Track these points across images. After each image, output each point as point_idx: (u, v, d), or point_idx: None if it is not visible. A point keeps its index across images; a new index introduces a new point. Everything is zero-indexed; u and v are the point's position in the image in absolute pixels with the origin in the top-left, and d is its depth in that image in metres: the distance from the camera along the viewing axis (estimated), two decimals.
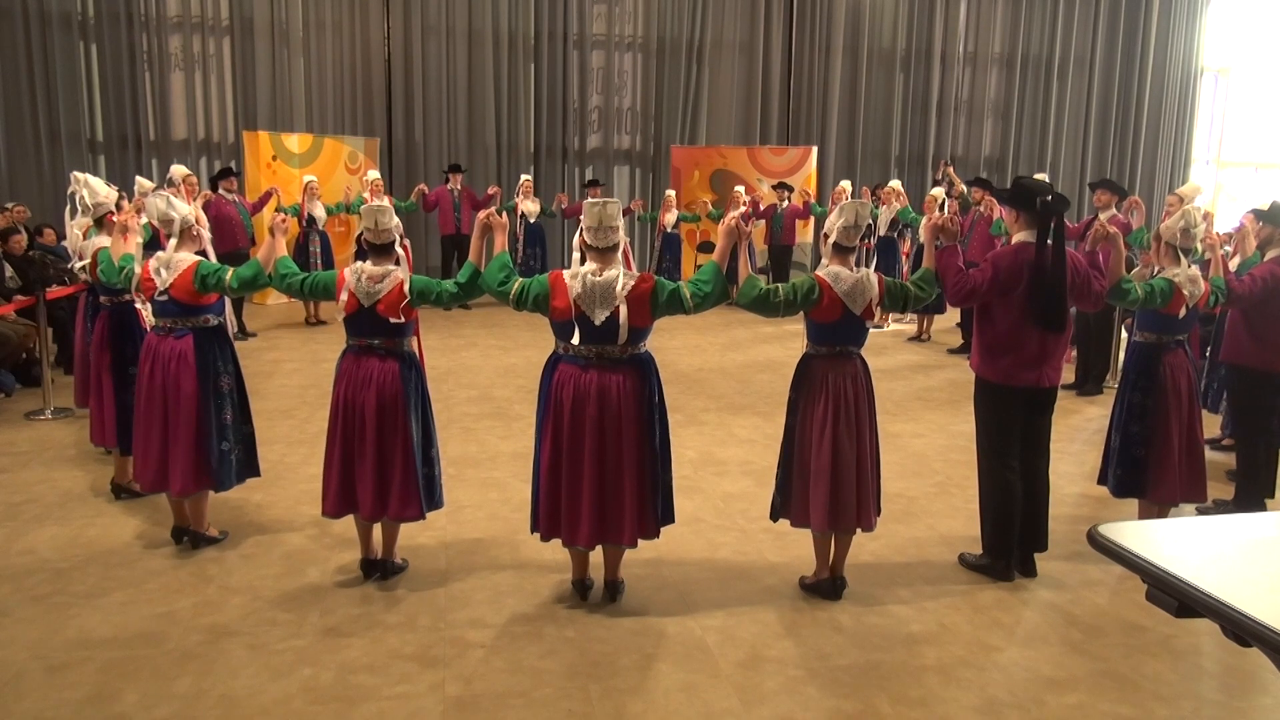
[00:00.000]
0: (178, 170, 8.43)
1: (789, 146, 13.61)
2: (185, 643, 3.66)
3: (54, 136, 12.29)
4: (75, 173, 5.34)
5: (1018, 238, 4.23)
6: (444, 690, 3.38)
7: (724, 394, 7.73)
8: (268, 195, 9.91)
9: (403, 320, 3.97)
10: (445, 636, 3.75)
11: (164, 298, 4.29)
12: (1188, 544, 2.22)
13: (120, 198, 5.47)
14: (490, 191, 11.64)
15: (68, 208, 5.59)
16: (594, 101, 14.06)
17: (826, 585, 4.14)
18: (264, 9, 12.68)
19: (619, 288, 3.70)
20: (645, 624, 3.88)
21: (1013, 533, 4.32)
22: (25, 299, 7.04)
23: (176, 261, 4.28)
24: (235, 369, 4.51)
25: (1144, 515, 4.73)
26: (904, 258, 10.51)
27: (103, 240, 4.98)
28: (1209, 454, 5.01)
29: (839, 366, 3.98)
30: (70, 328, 6.90)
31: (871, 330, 4.15)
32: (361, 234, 4.08)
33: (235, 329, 8.11)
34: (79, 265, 5.42)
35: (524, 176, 12.00)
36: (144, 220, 4.65)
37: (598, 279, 3.72)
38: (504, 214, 4.16)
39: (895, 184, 10.74)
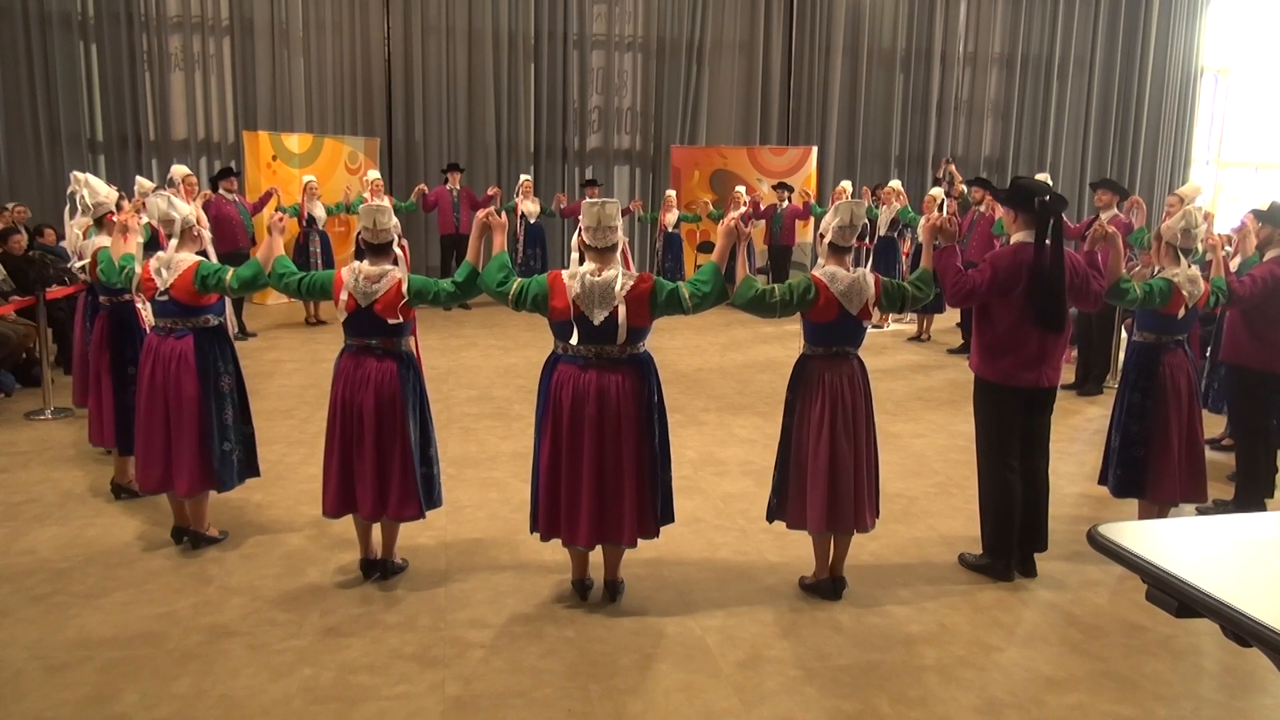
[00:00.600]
0: (178, 170, 8.43)
1: (789, 146, 13.61)
2: (185, 643, 3.66)
3: (54, 136, 12.28)
4: (75, 173, 5.34)
5: (1016, 238, 4.23)
6: (444, 690, 3.38)
7: (724, 394, 7.73)
8: (268, 195, 9.91)
9: (400, 320, 3.97)
10: (445, 636, 3.75)
11: (164, 298, 4.29)
12: (1188, 544, 2.22)
13: (120, 198, 5.48)
14: (490, 192, 11.64)
15: (67, 208, 5.59)
16: (594, 101, 14.06)
17: (826, 585, 4.13)
18: (264, 9, 12.68)
19: (618, 288, 3.70)
20: (645, 624, 3.88)
21: (1013, 533, 4.32)
22: (25, 299, 7.04)
23: (177, 262, 4.28)
24: (235, 369, 4.51)
25: (1144, 515, 4.73)
26: (904, 257, 10.51)
27: (103, 240, 4.98)
28: (1209, 454, 5.01)
29: (836, 367, 3.98)
30: (70, 328, 6.90)
31: (871, 330, 4.16)
32: (360, 234, 4.08)
33: (235, 329, 8.12)
34: (78, 265, 5.42)
35: (523, 176, 11.99)
36: (144, 220, 4.65)
37: (596, 279, 3.72)
38: (503, 214, 4.16)
39: (895, 184, 10.73)
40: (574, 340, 3.76)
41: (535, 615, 3.94)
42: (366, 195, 10.38)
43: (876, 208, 10.59)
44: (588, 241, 3.77)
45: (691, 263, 12.29)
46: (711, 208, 12.08)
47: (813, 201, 12.07)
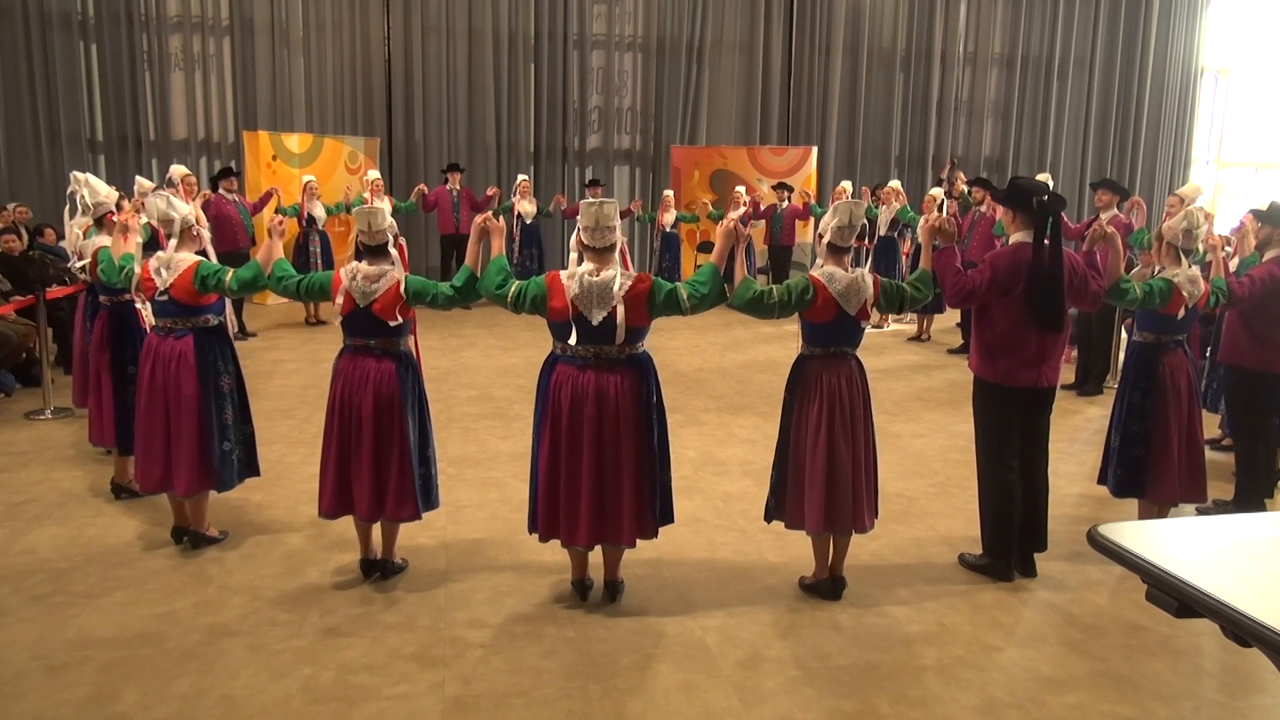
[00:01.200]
0: (177, 170, 8.42)
1: (789, 146, 13.61)
2: (185, 643, 3.66)
3: (54, 136, 12.28)
4: (75, 173, 5.34)
5: (1015, 238, 4.23)
6: (444, 690, 3.38)
7: (724, 394, 7.72)
8: (268, 195, 9.91)
9: (399, 321, 3.97)
10: (445, 636, 3.75)
11: (164, 298, 4.30)
12: (1188, 544, 2.22)
13: (120, 198, 5.47)
14: (489, 193, 11.64)
15: (67, 208, 5.59)
16: (594, 101, 14.06)
17: (826, 585, 4.13)
18: (264, 9, 12.68)
19: (616, 287, 3.70)
20: (645, 624, 3.88)
21: (1012, 533, 4.32)
22: (25, 299, 7.04)
23: (177, 262, 4.28)
24: (235, 369, 4.51)
25: (1144, 515, 4.73)
26: (904, 257, 10.51)
27: (103, 240, 4.98)
28: (1209, 454, 5.01)
29: (834, 367, 3.97)
30: (70, 327, 6.90)
31: (871, 330, 4.16)
32: (357, 236, 4.09)
33: (235, 329, 8.11)
34: (79, 265, 5.42)
35: (521, 177, 11.98)
36: (143, 220, 4.65)
37: (595, 279, 3.72)
38: (500, 217, 4.16)
39: (895, 184, 10.74)
40: (572, 340, 3.76)
41: (535, 615, 3.94)
42: (366, 195, 10.38)
43: (876, 208, 10.59)
44: (586, 242, 3.77)
45: (691, 263, 12.29)
46: (711, 208, 12.08)
47: (812, 202, 12.07)
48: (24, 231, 8.89)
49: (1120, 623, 3.97)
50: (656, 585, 4.23)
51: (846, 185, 11.22)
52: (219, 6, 12.67)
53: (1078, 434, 6.81)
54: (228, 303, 4.71)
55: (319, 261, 10.09)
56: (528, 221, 11.75)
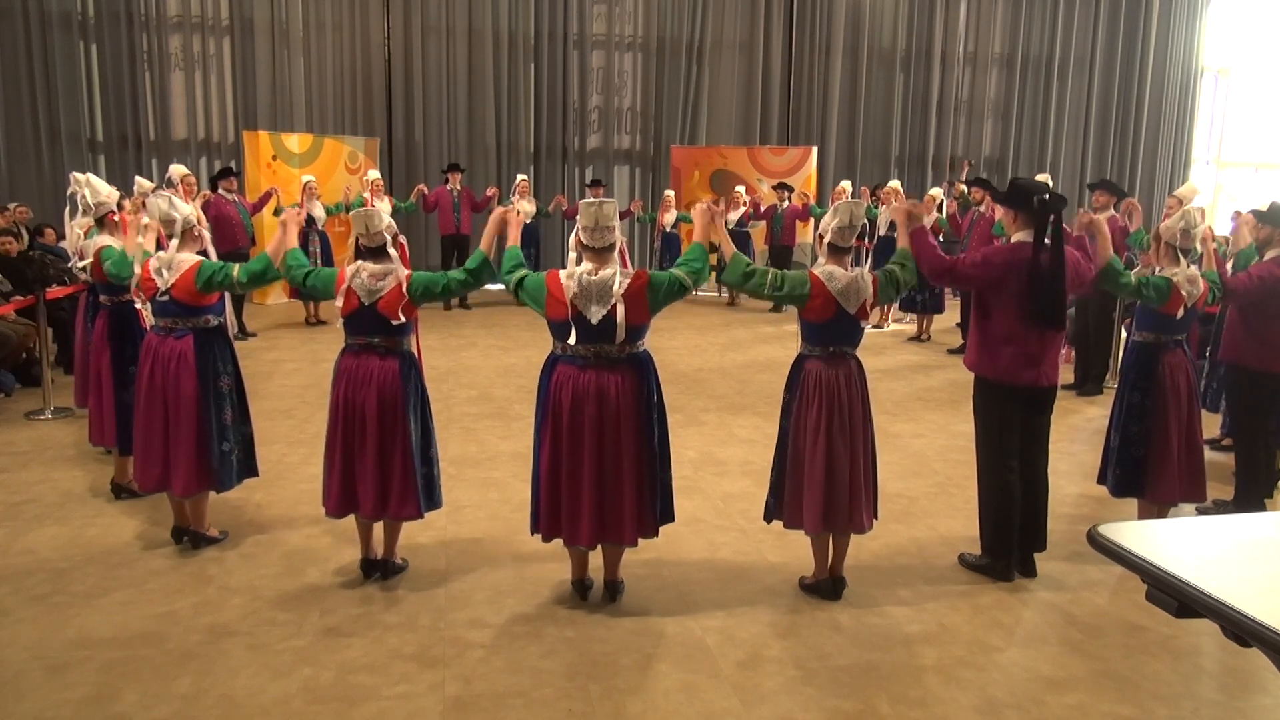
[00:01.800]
0: (176, 170, 8.43)
1: (789, 146, 13.61)
2: (185, 643, 3.66)
3: (54, 136, 12.29)
4: (75, 173, 5.34)
5: (1016, 238, 4.23)
6: (444, 690, 3.38)
7: (724, 394, 7.72)
8: (268, 195, 9.92)
9: (404, 320, 3.98)
10: (445, 636, 3.75)
11: (165, 298, 4.30)
12: (1188, 544, 2.21)
13: (121, 198, 5.47)
14: (489, 193, 11.64)
15: (68, 208, 5.59)
16: (594, 101, 14.06)
17: (826, 585, 4.13)
18: (264, 9, 12.69)
19: (615, 285, 3.71)
20: (645, 624, 3.88)
21: (1012, 533, 4.32)
22: (25, 299, 7.04)
23: (178, 262, 4.28)
24: (235, 369, 4.51)
25: (1143, 515, 4.73)
26: None
27: (103, 240, 4.98)
28: (1209, 454, 5.01)
29: (833, 367, 3.97)
30: (70, 327, 6.90)
31: (871, 330, 4.16)
32: (356, 238, 4.10)
33: (235, 329, 8.12)
34: (79, 265, 5.42)
35: (520, 176, 11.97)
36: (144, 220, 4.65)
37: (593, 278, 3.72)
38: (520, 213, 4.23)
39: (895, 184, 10.73)
40: (572, 340, 3.76)
41: (535, 615, 3.94)
42: (366, 195, 10.37)
43: (876, 208, 10.58)
44: (585, 241, 3.78)
45: None
46: None
47: (812, 202, 12.07)
48: (24, 231, 8.89)
49: (1120, 623, 3.97)
50: (656, 585, 4.23)
51: (846, 185, 11.22)
52: (219, 6, 12.67)
53: (1077, 434, 6.81)
54: (228, 303, 4.71)
55: (318, 261, 10.07)
56: (526, 221, 11.74)
